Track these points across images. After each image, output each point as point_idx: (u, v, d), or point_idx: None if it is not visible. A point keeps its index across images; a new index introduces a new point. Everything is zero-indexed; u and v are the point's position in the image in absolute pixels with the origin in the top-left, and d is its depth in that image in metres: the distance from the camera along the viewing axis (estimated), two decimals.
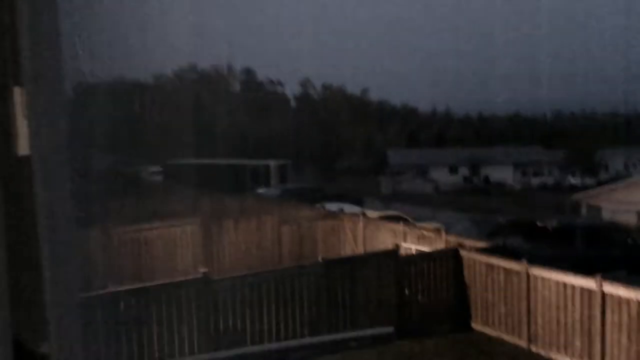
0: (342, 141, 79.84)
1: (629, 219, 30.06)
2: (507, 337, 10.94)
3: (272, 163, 38.15)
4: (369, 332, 9.46)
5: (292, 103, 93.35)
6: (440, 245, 13.39)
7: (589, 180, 65.32)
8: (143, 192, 29.02)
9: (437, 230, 14.87)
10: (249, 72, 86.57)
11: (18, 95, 1.37)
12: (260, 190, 30.16)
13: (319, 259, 11.08)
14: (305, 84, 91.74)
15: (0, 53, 1.31)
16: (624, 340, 9.06)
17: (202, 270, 9.98)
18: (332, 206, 19.45)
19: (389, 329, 9.25)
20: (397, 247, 12.14)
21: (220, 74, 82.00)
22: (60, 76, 1.88)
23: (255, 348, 9.87)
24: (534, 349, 10.48)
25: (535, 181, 69.79)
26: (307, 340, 10.28)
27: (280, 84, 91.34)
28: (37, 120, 1.69)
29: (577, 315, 9.76)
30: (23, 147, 1.48)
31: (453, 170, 71.91)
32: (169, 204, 21.60)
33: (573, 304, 9.83)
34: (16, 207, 1.49)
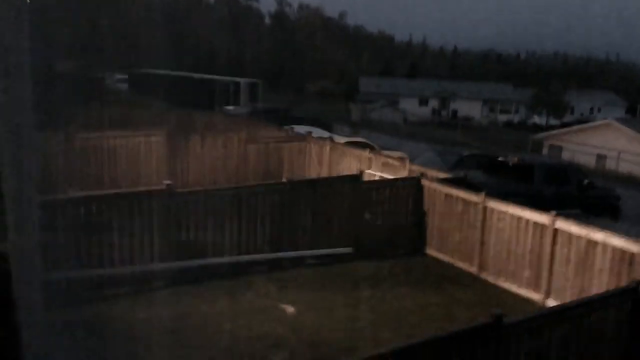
0: (315, 64, 78.59)
1: (588, 161, 30.92)
2: (459, 264, 11.36)
3: (242, 81, 37.45)
4: (328, 251, 9.78)
5: (267, 21, 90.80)
6: (403, 173, 13.58)
7: (553, 121, 66.41)
8: (108, 99, 28.33)
9: (402, 159, 15.05)
10: None
11: None
12: (229, 108, 29.74)
13: (284, 179, 11.14)
14: (281, 2, 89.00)
15: None
16: (570, 273, 9.52)
17: (166, 182, 9.95)
18: (300, 129, 19.36)
19: (348, 250, 9.58)
20: (361, 172, 12.26)
21: None
22: None
23: (216, 260, 10.06)
24: (483, 275, 10.94)
25: (501, 118, 70.58)
26: (267, 255, 10.52)
27: None
28: None
29: (528, 248, 10.16)
30: None
31: (423, 102, 72.04)
32: (134, 113, 21.17)
33: (525, 237, 10.22)
34: None
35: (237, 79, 38.25)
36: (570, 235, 9.52)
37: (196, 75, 41.69)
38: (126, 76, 43.73)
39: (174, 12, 65.74)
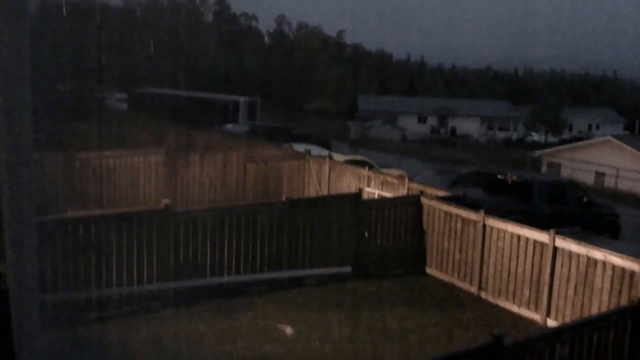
0: (314, 82, 78.97)
1: (587, 178, 30.95)
2: (459, 283, 11.31)
3: (241, 99, 37.60)
4: (327, 270, 9.74)
5: (266, 39, 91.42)
6: (402, 191, 13.57)
7: (551, 138, 66.58)
8: (107, 119, 28.40)
9: (401, 177, 15.05)
10: (222, 3, 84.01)
11: None
12: (228, 126, 29.82)
13: (283, 197, 11.13)
14: (280, 21, 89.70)
15: None
16: (571, 292, 9.47)
17: (165, 201, 9.93)
18: (299, 147, 19.40)
19: (347, 269, 9.55)
20: (361, 191, 12.26)
21: (192, 3, 79.33)
22: None
23: (215, 280, 10.01)
24: (483, 295, 10.88)
25: (500, 135, 70.76)
26: (266, 275, 10.47)
27: (254, 18, 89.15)
28: None
29: (528, 267, 10.12)
30: None
31: (422, 119, 72.26)
32: (133, 132, 21.22)
33: (525, 256, 10.18)
34: None
35: (236, 98, 38.41)
36: (570, 254, 9.49)
37: (195, 94, 41.83)
38: (126, 96, 43.90)
39: (173, 31, 66.20)
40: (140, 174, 14.87)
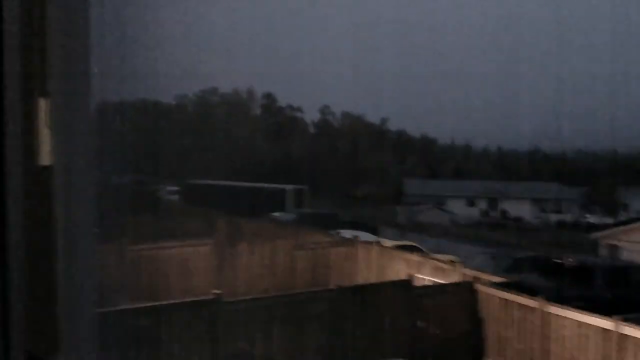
0: (360, 169, 79.80)
1: None
2: None
3: (288, 187, 38.20)
4: None
5: (311, 129, 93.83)
6: (455, 278, 13.23)
7: (608, 219, 64.48)
8: (160, 211, 29.18)
9: (453, 263, 14.72)
10: (269, 97, 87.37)
11: (43, 106, 1.38)
12: (276, 215, 30.16)
13: (332, 286, 10.99)
14: (324, 111, 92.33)
15: (28, 63, 1.32)
16: None
17: (215, 291, 9.94)
18: (347, 233, 19.37)
19: None
20: (411, 277, 12.02)
21: (241, 98, 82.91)
22: (87, 90, 1.90)
23: None
24: None
25: (553, 218, 69.01)
26: None
27: (300, 110, 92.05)
28: (61, 132, 1.70)
29: (593, 356, 9.54)
30: (45, 158, 1.47)
31: (471, 203, 71.46)
32: (185, 223, 21.66)
33: (589, 345, 9.62)
34: (35, 219, 1.48)
35: (283, 186, 39.06)
36: (638, 341, 8.92)
37: (244, 184, 42.77)
38: (177, 187, 45.29)
39: (223, 125, 68.90)
40: (191, 264, 15.03)
